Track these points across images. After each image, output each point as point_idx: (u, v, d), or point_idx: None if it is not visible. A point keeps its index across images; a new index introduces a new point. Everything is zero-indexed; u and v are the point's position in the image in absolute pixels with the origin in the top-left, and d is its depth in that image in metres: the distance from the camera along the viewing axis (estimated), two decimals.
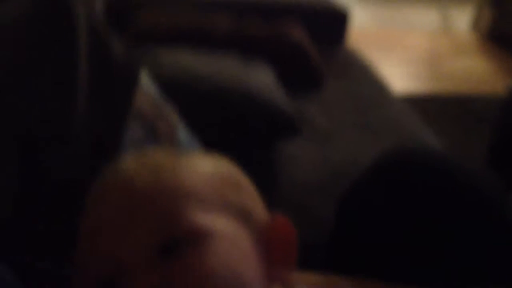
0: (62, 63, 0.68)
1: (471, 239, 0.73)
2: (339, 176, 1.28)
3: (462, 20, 3.87)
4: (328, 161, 1.36)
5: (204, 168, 0.58)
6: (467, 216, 0.73)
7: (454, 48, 3.50)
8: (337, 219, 0.81)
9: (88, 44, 0.71)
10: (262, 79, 1.44)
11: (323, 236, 0.84)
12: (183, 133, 0.95)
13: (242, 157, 1.29)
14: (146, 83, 0.97)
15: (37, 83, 0.65)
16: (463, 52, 3.45)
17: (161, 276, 0.50)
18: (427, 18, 3.93)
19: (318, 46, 1.82)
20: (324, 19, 2.06)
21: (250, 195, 0.60)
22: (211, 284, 0.50)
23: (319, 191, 1.21)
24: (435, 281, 0.69)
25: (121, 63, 0.77)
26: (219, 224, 0.54)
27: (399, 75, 2.99)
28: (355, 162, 1.34)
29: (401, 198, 0.75)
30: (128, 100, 0.77)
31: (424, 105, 2.65)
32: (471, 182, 0.74)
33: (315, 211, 1.12)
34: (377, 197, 0.76)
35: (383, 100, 1.74)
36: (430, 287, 0.67)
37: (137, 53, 0.81)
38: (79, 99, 0.69)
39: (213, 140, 1.19)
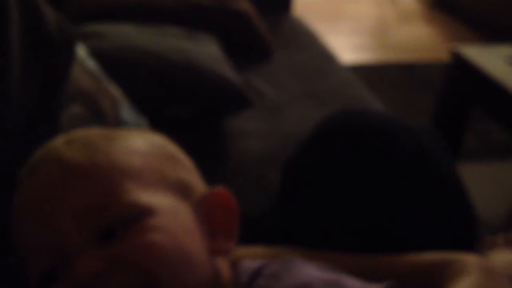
0: None
1: (413, 200, 0.73)
2: (290, 146, 1.27)
3: None
4: (279, 132, 1.35)
5: (138, 145, 0.57)
6: (411, 177, 0.73)
7: (400, 16, 3.52)
8: (281, 183, 0.80)
9: (20, 13, 0.67)
10: (208, 51, 1.40)
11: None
12: (127, 111, 0.91)
13: (192, 132, 1.26)
14: (85, 59, 0.93)
15: None
16: (409, 20, 3.48)
17: (105, 259, 0.48)
18: None
19: (263, 15, 1.79)
20: None
21: (186, 169, 0.59)
22: (157, 260, 0.49)
23: (271, 161, 1.20)
24: (379, 247, 0.69)
25: (56, 36, 0.73)
26: (158, 200, 0.53)
27: (346, 46, 2.99)
28: (305, 131, 1.33)
29: (342, 160, 0.74)
30: (64, 75, 0.73)
31: (370, 74, 2.66)
32: (414, 141, 0.74)
33: (268, 181, 1.12)
34: (319, 160, 0.76)
35: (330, 69, 1.73)
36: (375, 253, 0.67)
37: (74, 28, 0.77)
38: (11, 75, 0.65)
39: (160, 117, 1.16)
